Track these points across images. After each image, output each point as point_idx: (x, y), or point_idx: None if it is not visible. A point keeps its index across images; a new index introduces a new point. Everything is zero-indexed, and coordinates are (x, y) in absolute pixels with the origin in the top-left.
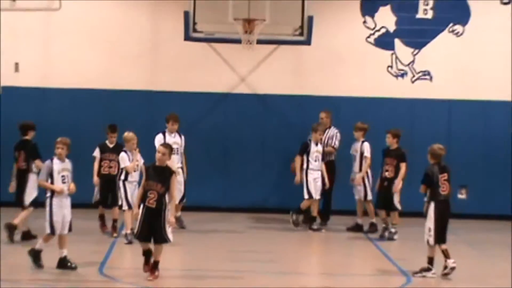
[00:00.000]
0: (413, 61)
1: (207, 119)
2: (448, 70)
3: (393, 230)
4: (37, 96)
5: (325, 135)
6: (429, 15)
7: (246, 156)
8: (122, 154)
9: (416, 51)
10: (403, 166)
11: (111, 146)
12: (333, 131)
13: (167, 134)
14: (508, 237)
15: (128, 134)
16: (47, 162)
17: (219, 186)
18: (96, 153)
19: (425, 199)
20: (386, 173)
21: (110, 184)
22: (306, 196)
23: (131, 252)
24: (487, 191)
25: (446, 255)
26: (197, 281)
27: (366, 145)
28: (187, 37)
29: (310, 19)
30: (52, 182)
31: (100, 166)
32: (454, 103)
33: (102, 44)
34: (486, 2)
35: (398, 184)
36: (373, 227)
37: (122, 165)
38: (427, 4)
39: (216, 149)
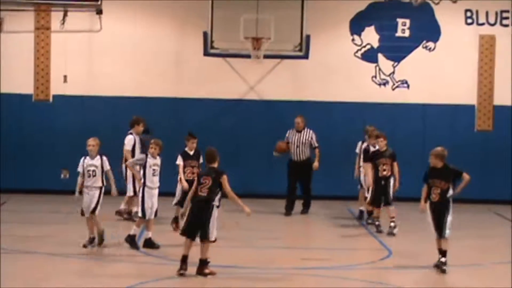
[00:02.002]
0: (393, 72)
1: (222, 121)
2: (422, 79)
3: (392, 224)
4: (82, 103)
5: (302, 135)
6: (406, 33)
7: (254, 152)
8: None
9: (396, 63)
10: (396, 165)
11: (191, 153)
12: (309, 132)
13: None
14: (472, 218)
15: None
16: (143, 155)
17: (233, 176)
18: (179, 161)
19: (449, 195)
20: (384, 172)
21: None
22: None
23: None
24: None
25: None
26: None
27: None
28: (206, 53)
29: (308, 37)
30: (144, 174)
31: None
32: (427, 107)
33: (136, 59)
34: (453, 23)
35: (397, 182)
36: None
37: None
38: (404, 25)
39: (229, 146)
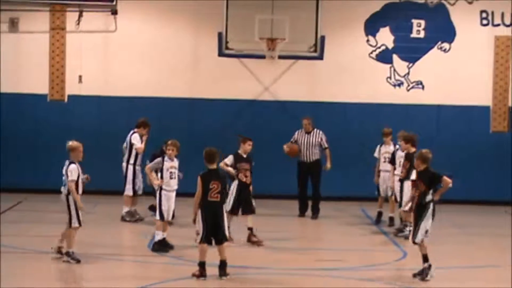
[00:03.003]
0: (408, 73)
1: (237, 121)
2: (437, 80)
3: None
4: (97, 103)
5: (312, 137)
6: (421, 34)
7: (268, 153)
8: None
9: (411, 64)
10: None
11: (245, 155)
12: (319, 132)
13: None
14: (487, 219)
15: (73, 143)
16: (159, 158)
17: None
18: (229, 161)
19: (428, 199)
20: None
21: (245, 192)
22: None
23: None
24: (470, 180)
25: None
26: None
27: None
28: (221, 54)
29: (322, 38)
30: (161, 177)
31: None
32: (442, 108)
33: (151, 59)
34: (469, 24)
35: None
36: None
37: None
38: (419, 26)
39: None
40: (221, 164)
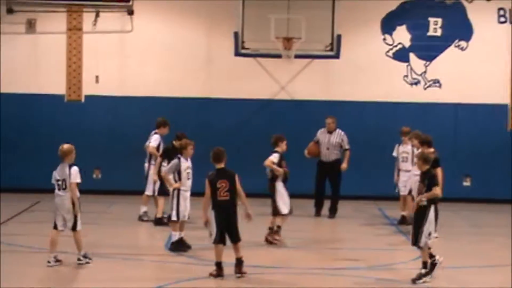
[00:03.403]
0: (425, 71)
1: (253, 121)
2: (454, 79)
3: None
4: (113, 103)
5: (333, 136)
6: (438, 33)
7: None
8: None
9: (428, 63)
10: (438, 172)
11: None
12: (340, 133)
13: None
14: (505, 218)
15: (69, 146)
16: (176, 160)
17: (263, 176)
18: (275, 158)
19: (424, 203)
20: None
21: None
22: None
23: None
24: (488, 179)
25: (431, 255)
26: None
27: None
28: (237, 53)
29: (339, 37)
30: (180, 178)
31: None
32: (459, 106)
33: (167, 59)
34: (486, 22)
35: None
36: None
37: None
38: (436, 24)
39: (260, 146)
40: (268, 162)
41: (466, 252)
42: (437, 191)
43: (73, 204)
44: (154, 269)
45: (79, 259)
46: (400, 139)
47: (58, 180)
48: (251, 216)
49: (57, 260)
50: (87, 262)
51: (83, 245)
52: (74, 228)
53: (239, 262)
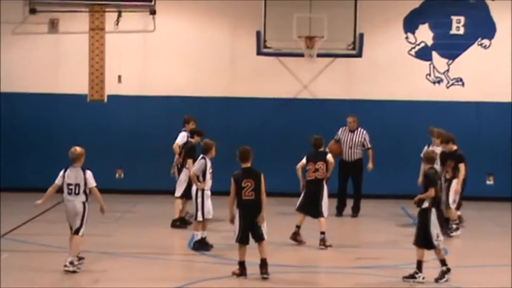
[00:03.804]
0: (447, 70)
1: (276, 119)
2: (477, 77)
3: (454, 226)
4: (136, 102)
5: (355, 135)
6: (461, 31)
7: (307, 149)
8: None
9: (450, 61)
10: (462, 166)
11: None
12: (363, 132)
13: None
14: None
15: (81, 149)
16: (202, 160)
17: (286, 175)
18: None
19: (426, 205)
20: (446, 175)
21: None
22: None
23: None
24: (511, 178)
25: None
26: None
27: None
28: (259, 52)
29: (361, 36)
30: (204, 178)
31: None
32: (482, 105)
33: (189, 59)
34: (509, 20)
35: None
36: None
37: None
38: (459, 22)
39: (283, 145)
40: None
41: (490, 251)
42: (432, 192)
43: (102, 209)
44: (177, 268)
45: (65, 265)
46: (429, 139)
47: (70, 185)
48: (263, 219)
49: (80, 258)
50: (74, 271)
51: (78, 251)
52: (77, 231)
53: (263, 263)
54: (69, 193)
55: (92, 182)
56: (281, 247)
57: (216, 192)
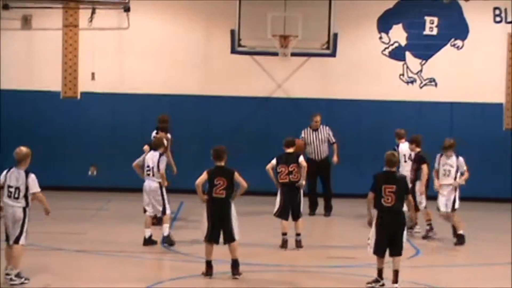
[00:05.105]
0: (421, 70)
1: (250, 118)
2: (450, 78)
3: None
4: (110, 100)
5: (320, 133)
6: (434, 32)
7: (281, 150)
8: None
9: (424, 61)
10: (424, 168)
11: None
12: (326, 128)
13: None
14: (500, 216)
15: (27, 150)
16: (164, 157)
17: (260, 174)
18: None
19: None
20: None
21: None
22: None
23: None
24: (483, 178)
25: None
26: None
27: (461, 160)
28: (233, 51)
29: (335, 35)
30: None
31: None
32: (455, 105)
33: (164, 57)
34: (482, 21)
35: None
36: (462, 239)
37: None
38: (432, 23)
39: (257, 144)
40: None
41: (458, 250)
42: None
43: (47, 210)
44: (150, 267)
45: (11, 279)
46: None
47: (10, 187)
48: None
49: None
50: (22, 283)
51: (20, 263)
52: (17, 241)
53: (235, 263)
54: (9, 196)
55: (34, 187)
56: (254, 247)
57: (191, 191)
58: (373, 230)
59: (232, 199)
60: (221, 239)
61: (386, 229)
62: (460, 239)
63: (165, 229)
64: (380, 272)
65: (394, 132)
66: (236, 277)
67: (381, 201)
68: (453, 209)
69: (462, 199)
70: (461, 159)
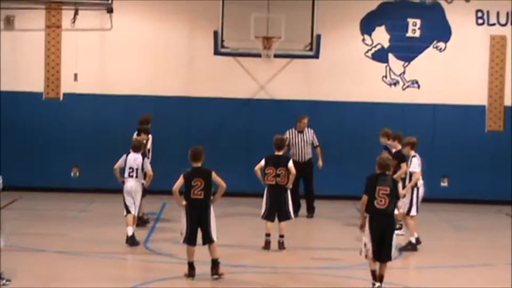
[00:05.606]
0: (403, 72)
1: (233, 120)
2: (432, 79)
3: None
4: (92, 101)
5: (305, 135)
6: (417, 34)
7: (265, 149)
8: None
9: (406, 63)
10: (403, 166)
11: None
12: (310, 131)
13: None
14: (483, 218)
15: None
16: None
17: (242, 176)
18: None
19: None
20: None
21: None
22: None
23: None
24: (465, 180)
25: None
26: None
27: (415, 161)
28: (216, 52)
29: (318, 37)
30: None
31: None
32: (438, 107)
33: (147, 58)
34: (464, 24)
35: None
36: (412, 245)
37: None
38: (415, 25)
39: (239, 145)
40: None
41: (445, 252)
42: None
43: None
44: (132, 268)
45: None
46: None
47: None
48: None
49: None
50: (4, 284)
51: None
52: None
53: (215, 264)
54: None
55: None
56: (236, 248)
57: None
58: (367, 235)
59: (212, 202)
60: (200, 241)
61: (377, 231)
62: (408, 245)
63: (130, 229)
64: (374, 273)
65: (382, 132)
66: (216, 277)
67: (374, 203)
68: (408, 212)
69: (444, 200)
70: (414, 160)
